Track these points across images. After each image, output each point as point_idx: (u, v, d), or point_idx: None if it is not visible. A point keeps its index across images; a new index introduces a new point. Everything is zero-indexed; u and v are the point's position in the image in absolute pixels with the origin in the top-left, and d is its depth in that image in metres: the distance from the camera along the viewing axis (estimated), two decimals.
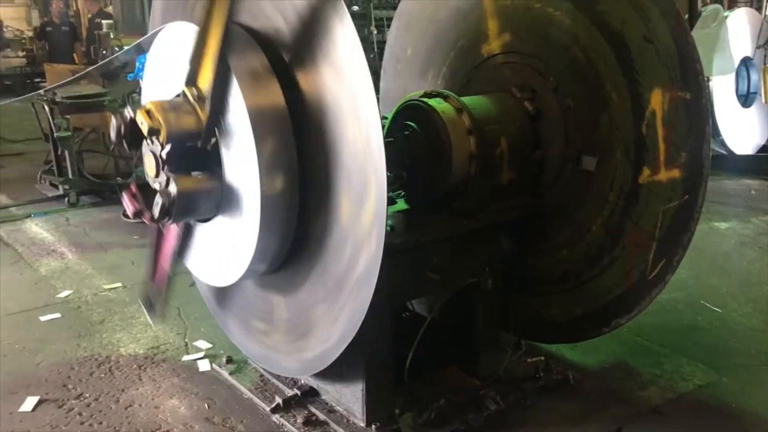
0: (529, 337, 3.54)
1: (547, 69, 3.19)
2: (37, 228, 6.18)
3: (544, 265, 3.33)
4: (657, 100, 2.81)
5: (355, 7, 14.81)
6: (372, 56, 11.82)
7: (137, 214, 2.67)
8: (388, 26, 12.07)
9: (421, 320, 3.11)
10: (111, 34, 8.23)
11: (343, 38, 2.24)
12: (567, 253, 3.22)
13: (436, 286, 3.06)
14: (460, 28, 3.60)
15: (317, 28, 2.32)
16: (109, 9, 15.69)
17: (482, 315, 3.22)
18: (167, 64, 2.76)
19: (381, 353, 2.90)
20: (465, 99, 3.20)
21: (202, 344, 3.87)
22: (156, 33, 2.86)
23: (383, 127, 3.23)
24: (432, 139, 3.04)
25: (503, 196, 3.25)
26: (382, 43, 11.86)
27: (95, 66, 6.66)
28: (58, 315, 4.33)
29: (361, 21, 14.48)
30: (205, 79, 2.40)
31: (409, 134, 3.11)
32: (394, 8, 12.41)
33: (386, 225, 2.99)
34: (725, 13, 7.86)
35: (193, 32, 2.46)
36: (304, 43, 2.40)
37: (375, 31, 11.90)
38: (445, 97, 3.15)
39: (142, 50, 4.26)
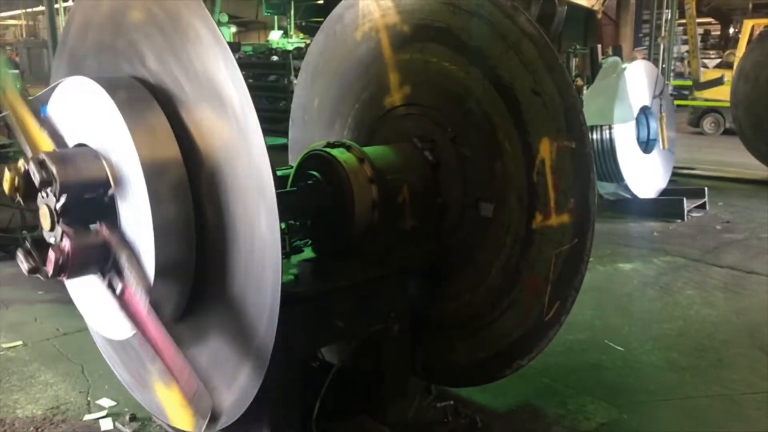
0: (437, 381, 3.57)
1: (445, 120, 3.31)
2: None
3: (448, 309, 3.40)
4: (546, 149, 2.95)
5: (275, 57, 14.99)
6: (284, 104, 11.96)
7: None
8: None
9: (331, 369, 3.10)
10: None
11: (230, 83, 2.25)
12: (469, 297, 3.30)
13: (343, 333, 3.07)
14: (364, 81, 3.70)
15: (206, 80, 2.34)
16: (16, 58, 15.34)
17: (389, 361, 3.24)
18: (65, 117, 2.73)
19: (287, 405, 2.87)
20: (367, 149, 3.28)
21: (106, 402, 3.74)
22: (54, 87, 2.83)
23: (288, 176, 3.29)
24: (335, 188, 3.10)
25: (407, 243, 3.32)
26: None
27: None
28: None
29: (281, 71, 14.65)
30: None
31: (313, 183, 3.16)
32: None
33: (291, 273, 3.04)
34: (624, 65, 8.31)
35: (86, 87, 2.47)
36: (195, 92, 2.41)
37: (295, 81, 12.02)
38: (348, 147, 3.22)
39: (43, 103, 4.19)
